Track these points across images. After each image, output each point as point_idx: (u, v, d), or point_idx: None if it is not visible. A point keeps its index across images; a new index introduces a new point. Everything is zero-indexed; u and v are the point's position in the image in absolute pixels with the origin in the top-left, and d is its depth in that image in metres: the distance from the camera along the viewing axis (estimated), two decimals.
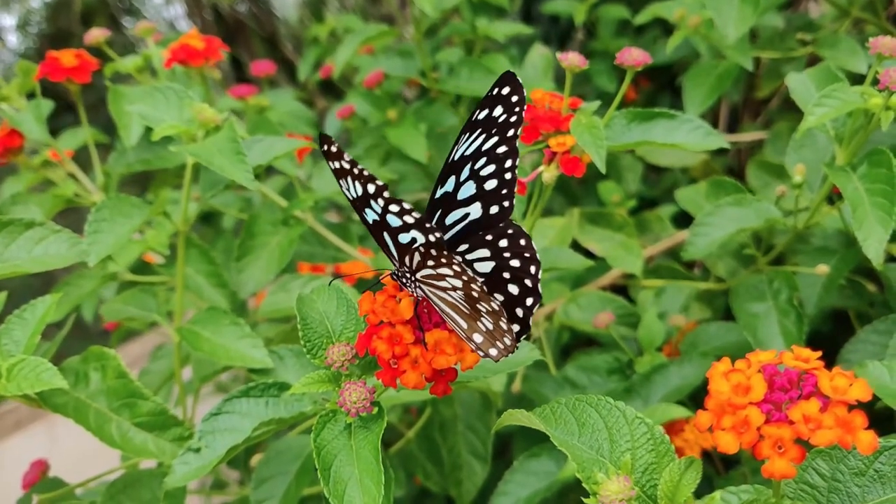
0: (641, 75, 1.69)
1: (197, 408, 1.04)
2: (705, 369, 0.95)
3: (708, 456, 0.95)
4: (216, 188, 0.84)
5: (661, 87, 1.75)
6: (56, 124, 2.28)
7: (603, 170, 0.75)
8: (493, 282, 0.58)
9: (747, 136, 1.46)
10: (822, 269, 0.90)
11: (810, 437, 0.41)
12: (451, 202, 0.60)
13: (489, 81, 1.30)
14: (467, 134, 0.59)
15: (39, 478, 0.95)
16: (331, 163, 0.53)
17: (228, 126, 0.80)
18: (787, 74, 0.89)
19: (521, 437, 1.12)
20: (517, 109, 0.58)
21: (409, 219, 0.52)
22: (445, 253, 0.52)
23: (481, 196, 0.59)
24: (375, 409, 0.58)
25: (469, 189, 0.59)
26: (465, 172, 0.59)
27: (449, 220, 0.60)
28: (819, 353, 0.46)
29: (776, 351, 0.47)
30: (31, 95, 1.05)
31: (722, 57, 1.26)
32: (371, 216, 0.54)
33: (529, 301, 0.57)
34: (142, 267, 1.17)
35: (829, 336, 1.25)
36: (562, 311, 1.10)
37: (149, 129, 0.85)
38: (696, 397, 0.99)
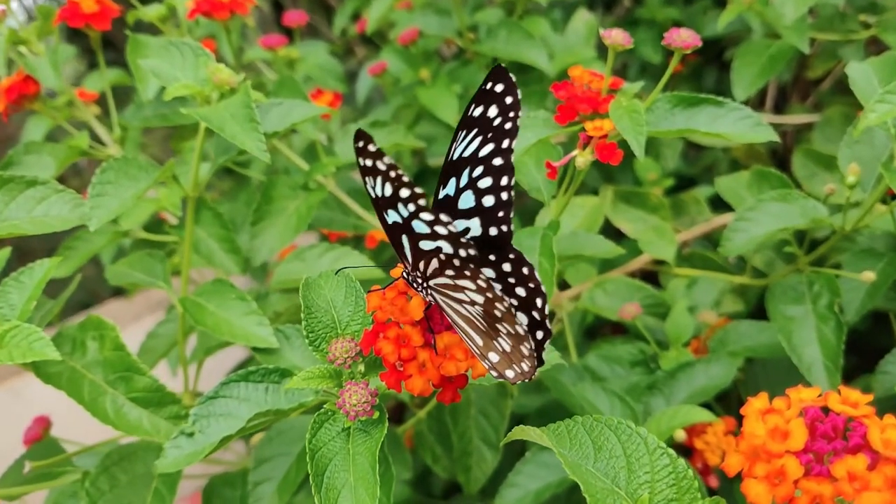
0: None
1: (206, 363, 1.01)
2: (733, 370, 0.91)
3: None
4: (229, 153, 0.80)
5: (708, 61, 1.67)
6: (91, 60, 2.25)
7: (641, 158, 0.70)
8: None
9: (795, 118, 1.39)
10: (869, 275, 0.84)
11: (854, 500, 0.37)
12: (453, 209, 0.54)
13: (528, 45, 1.24)
14: (464, 132, 0.53)
15: (41, 435, 0.94)
16: (362, 160, 0.46)
17: (244, 89, 0.75)
18: (848, 63, 0.82)
19: (535, 425, 1.08)
20: (511, 115, 0.52)
21: (441, 230, 0.47)
22: (471, 267, 0.47)
23: (480, 212, 0.53)
24: (377, 414, 0.54)
25: (468, 200, 0.53)
26: (465, 178, 0.53)
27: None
28: (870, 398, 0.41)
29: (820, 389, 0.43)
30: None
31: (776, 36, 1.18)
32: (393, 217, 0.49)
33: (539, 335, 0.52)
34: (158, 224, 1.14)
35: (867, 335, 1.19)
36: (587, 297, 1.05)
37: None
38: (722, 398, 0.94)
